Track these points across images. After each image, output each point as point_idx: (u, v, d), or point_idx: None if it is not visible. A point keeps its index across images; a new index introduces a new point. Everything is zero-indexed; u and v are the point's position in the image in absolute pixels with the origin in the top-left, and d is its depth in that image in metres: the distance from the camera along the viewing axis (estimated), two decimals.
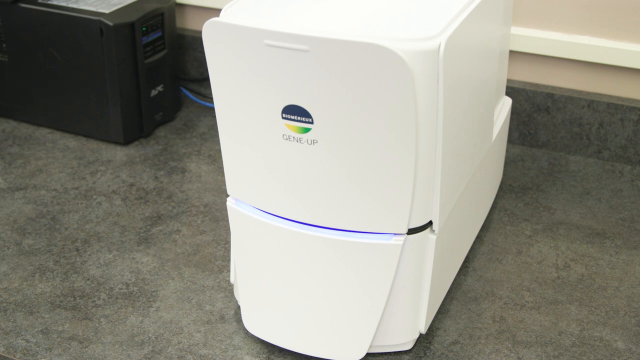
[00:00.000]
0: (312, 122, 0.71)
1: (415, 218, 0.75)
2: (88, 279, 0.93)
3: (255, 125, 0.74)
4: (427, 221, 0.77)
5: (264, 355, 0.82)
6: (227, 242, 0.98)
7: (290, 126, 0.72)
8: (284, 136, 0.72)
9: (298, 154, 0.73)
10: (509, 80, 1.18)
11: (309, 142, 0.72)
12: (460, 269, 0.94)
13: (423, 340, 0.84)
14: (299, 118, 0.71)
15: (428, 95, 0.69)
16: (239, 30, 0.69)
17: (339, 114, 0.70)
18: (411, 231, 0.76)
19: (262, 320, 0.82)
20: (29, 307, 0.88)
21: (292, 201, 0.76)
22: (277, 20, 0.71)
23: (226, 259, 0.96)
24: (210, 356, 0.82)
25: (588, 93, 1.16)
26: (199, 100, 1.31)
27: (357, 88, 0.68)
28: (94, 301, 0.89)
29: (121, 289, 0.91)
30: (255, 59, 0.70)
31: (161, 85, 1.21)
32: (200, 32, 1.34)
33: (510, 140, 1.20)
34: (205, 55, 0.73)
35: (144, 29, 1.15)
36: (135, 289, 0.91)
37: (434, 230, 0.78)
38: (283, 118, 0.72)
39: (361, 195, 0.73)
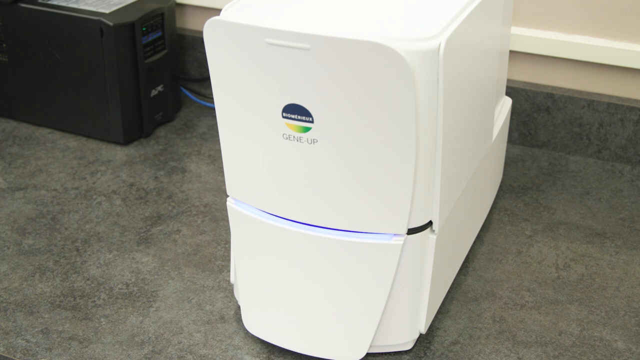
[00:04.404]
0: (312, 121, 0.71)
1: (415, 218, 0.75)
2: (88, 279, 0.93)
3: (255, 124, 0.74)
4: (427, 221, 0.77)
5: (264, 355, 0.82)
6: (227, 242, 0.98)
7: (290, 125, 0.72)
8: (284, 135, 0.73)
9: (298, 154, 0.73)
10: (509, 80, 1.18)
11: (309, 141, 0.72)
12: (460, 269, 0.94)
13: (423, 340, 0.84)
14: (299, 117, 0.71)
15: (428, 95, 0.69)
16: (240, 28, 0.69)
17: (339, 113, 0.70)
18: (411, 231, 0.76)
19: (262, 320, 0.82)
20: (29, 307, 0.88)
21: (291, 201, 0.76)
22: (278, 19, 0.72)
23: (226, 259, 0.96)
24: (210, 356, 0.82)
25: (588, 93, 1.16)
26: (199, 100, 1.31)
27: (357, 87, 0.68)
28: (94, 301, 0.89)
29: (121, 289, 0.91)
30: (256, 58, 0.70)
31: (161, 85, 1.21)
32: (200, 32, 1.35)
33: (510, 140, 1.20)
34: (206, 54, 0.73)
35: (144, 29, 1.15)
36: (135, 289, 0.91)
37: (434, 230, 0.78)
38: (283, 117, 0.72)
39: (361, 195, 0.73)
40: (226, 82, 0.74)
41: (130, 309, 0.88)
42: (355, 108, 0.69)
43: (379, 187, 0.73)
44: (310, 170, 0.73)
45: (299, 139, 0.72)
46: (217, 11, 1.32)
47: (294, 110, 0.71)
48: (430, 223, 0.77)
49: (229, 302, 0.89)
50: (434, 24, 0.71)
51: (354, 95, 0.69)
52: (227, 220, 1.01)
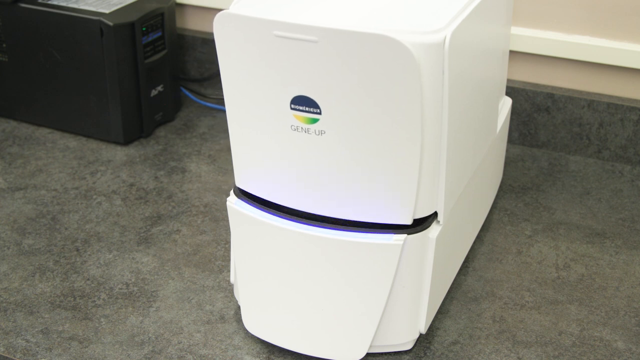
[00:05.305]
0: (320, 113, 0.72)
1: (421, 208, 0.76)
2: (88, 279, 0.93)
3: (264, 116, 0.75)
4: (432, 211, 0.77)
5: (264, 355, 0.82)
6: (227, 242, 0.98)
7: (298, 117, 0.73)
8: (292, 127, 0.74)
9: (306, 145, 0.74)
10: (509, 80, 1.18)
11: (317, 132, 0.73)
12: (460, 269, 0.94)
13: (423, 340, 0.84)
14: (307, 109, 0.72)
15: (433, 87, 0.71)
16: (249, 21, 0.71)
17: (346, 105, 0.71)
18: (415, 225, 0.76)
19: (262, 320, 0.82)
20: (29, 307, 0.88)
21: (299, 192, 0.77)
22: (286, 12, 0.73)
23: (226, 259, 0.96)
24: (210, 356, 0.82)
25: (588, 93, 1.16)
26: (199, 100, 1.31)
27: (364, 79, 0.69)
28: (94, 301, 0.89)
29: (121, 289, 0.91)
30: (264, 50, 0.71)
31: (161, 85, 1.21)
32: (200, 32, 1.34)
33: (510, 140, 1.20)
34: (216, 47, 0.74)
35: (144, 29, 1.15)
36: (135, 289, 0.91)
37: (439, 221, 0.78)
38: (291, 109, 0.73)
39: (368, 185, 0.74)
40: (235, 74, 0.75)
41: (130, 309, 0.88)
42: (362, 100, 0.70)
43: (386, 177, 0.73)
44: (318, 161, 0.74)
45: (307, 131, 0.73)
46: (217, 11, 1.32)
47: (302, 102, 0.72)
48: (434, 216, 0.78)
49: (229, 302, 0.89)
50: (439, 18, 0.72)
51: (361, 87, 0.70)
52: (227, 220, 1.01)
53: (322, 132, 0.73)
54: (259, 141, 0.76)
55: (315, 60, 0.69)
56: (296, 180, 0.76)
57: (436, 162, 0.75)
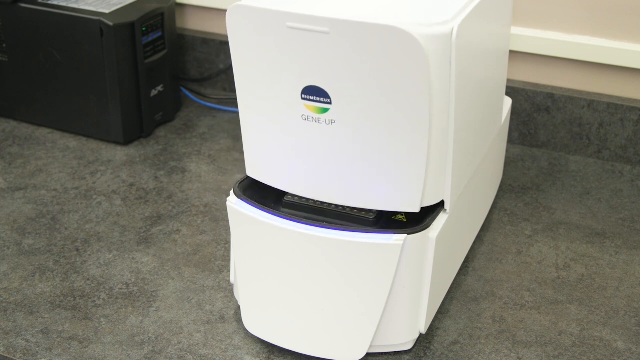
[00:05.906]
0: (330, 103, 0.73)
1: (429, 196, 0.77)
2: (88, 279, 0.93)
3: (275, 106, 0.76)
4: (439, 200, 0.78)
5: (264, 355, 0.82)
6: (227, 242, 0.98)
7: (309, 107, 0.74)
8: (303, 116, 0.75)
9: (316, 134, 0.75)
10: (509, 80, 1.18)
11: (327, 122, 0.74)
12: (460, 269, 0.94)
13: (423, 340, 0.84)
14: (317, 99, 0.73)
15: (441, 77, 0.72)
16: (262, 13, 0.72)
17: (356, 95, 0.72)
18: (418, 223, 0.77)
19: (262, 320, 0.82)
20: (29, 307, 0.88)
21: (310, 180, 0.78)
22: (299, 4, 0.74)
23: (226, 259, 0.96)
24: (210, 356, 0.82)
25: (588, 93, 1.16)
26: (199, 100, 1.31)
27: (374, 69, 0.70)
28: (94, 301, 0.89)
29: (121, 289, 0.91)
30: (277, 41, 0.73)
31: (161, 85, 1.21)
32: (200, 32, 1.34)
33: (510, 140, 1.20)
34: (229, 39, 0.76)
35: (144, 29, 1.15)
36: (135, 289, 0.91)
37: (446, 210, 0.80)
38: (302, 99, 0.74)
39: (377, 173, 0.75)
40: (247, 65, 0.76)
41: (130, 309, 0.88)
42: (372, 90, 0.71)
43: (394, 165, 0.75)
44: (328, 150, 0.76)
45: (317, 120, 0.74)
46: (216, 11, 1.32)
47: (313, 92, 0.73)
48: (441, 207, 0.79)
49: (229, 302, 0.89)
50: (446, 11, 0.73)
51: (371, 78, 0.71)
52: (227, 220, 1.01)
53: (332, 121, 0.74)
54: (270, 131, 0.78)
55: (326, 51, 0.71)
56: (306, 168, 0.77)
57: (443, 151, 0.76)
